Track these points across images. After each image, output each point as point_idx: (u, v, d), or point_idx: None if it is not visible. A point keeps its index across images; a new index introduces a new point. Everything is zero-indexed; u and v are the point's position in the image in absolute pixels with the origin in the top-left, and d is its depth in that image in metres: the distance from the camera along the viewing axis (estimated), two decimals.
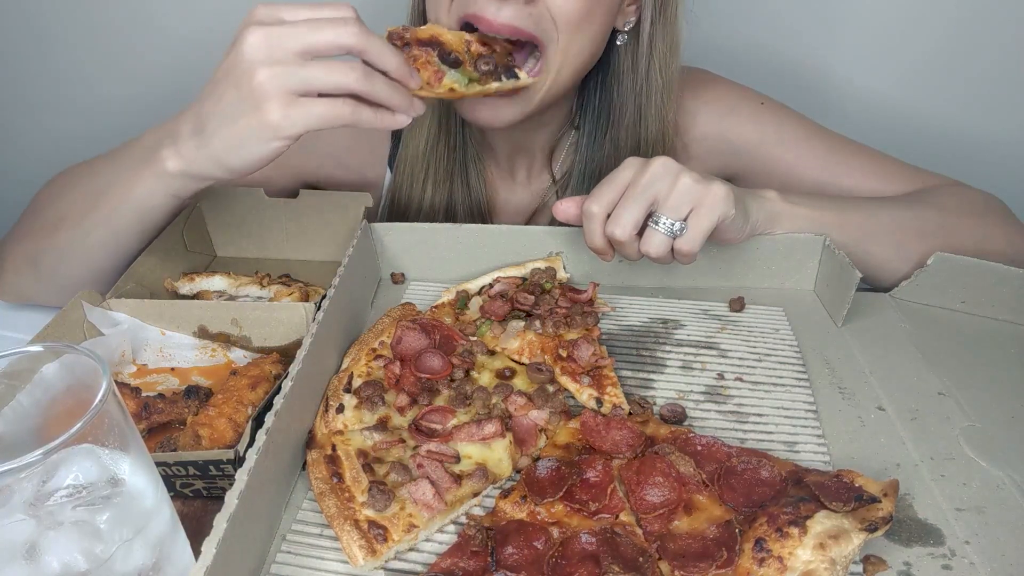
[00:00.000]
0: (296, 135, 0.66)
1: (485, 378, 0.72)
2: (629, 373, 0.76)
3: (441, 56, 0.73)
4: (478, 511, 0.61)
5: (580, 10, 0.80)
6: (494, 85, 0.76)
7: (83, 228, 0.82)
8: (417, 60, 0.72)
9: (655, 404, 0.71)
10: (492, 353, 0.76)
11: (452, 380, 0.71)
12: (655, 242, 0.76)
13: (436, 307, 0.84)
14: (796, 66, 1.45)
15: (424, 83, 0.71)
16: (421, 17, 0.94)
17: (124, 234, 0.82)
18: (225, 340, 0.79)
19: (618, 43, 0.92)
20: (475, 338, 0.77)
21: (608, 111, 0.97)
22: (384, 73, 0.67)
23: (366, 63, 0.67)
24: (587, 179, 1.01)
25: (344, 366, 0.72)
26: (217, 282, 0.90)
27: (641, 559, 0.53)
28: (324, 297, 0.73)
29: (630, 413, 0.69)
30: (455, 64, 0.73)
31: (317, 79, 0.64)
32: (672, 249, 0.77)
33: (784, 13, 1.40)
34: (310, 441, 0.65)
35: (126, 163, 0.80)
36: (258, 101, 0.64)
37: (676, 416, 0.69)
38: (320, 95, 0.65)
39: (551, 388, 0.71)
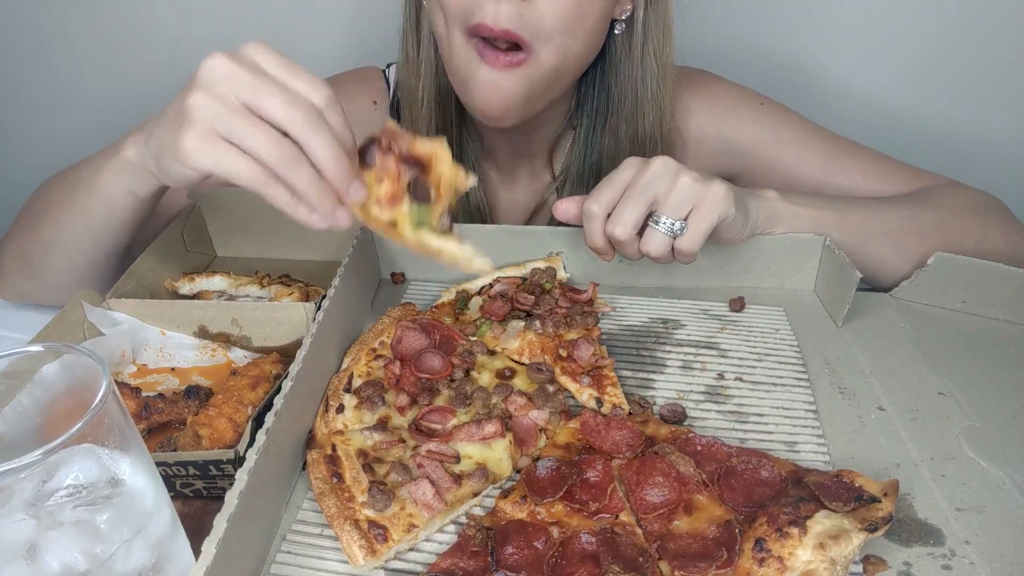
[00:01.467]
0: (204, 171, 0.62)
1: (485, 378, 0.72)
2: (629, 373, 0.76)
3: (413, 184, 0.63)
4: (478, 511, 0.61)
5: (572, 12, 0.80)
6: (449, 246, 0.63)
7: (60, 221, 0.82)
8: (387, 171, 0.63)
9: (655, 404, 0.71)
10: (492, 353, 0.76)
11: (452, 380, 0.71)
12: (655, 242, 0.76)
13: (436, 307, 0.84)
14: (795, 66, 1.45)
15: (374, 197, 0.62)
16: (415, 29, 0.94)
17: (95, 228, 0.81)
18: (225, 340, 0.79)
19: (616, 32, 0.92)
20: (475, 338, 0.77)
21: (606, 103, 0.97)
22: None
23: None
24: (586, 173, 1.01)
25: (344, 366, 0.72)
26: (217, 282, 0.90)
27: (641, 559, 0.53)
28: (324, 297, 0.73)
29: (630, 413, 0.69)
30: (421, 198, 0.63)
31: (240, 135, 0.59)
32: (672, 249, 0.77)
33: (784, 13, 1.40)
34: (310, 441, 0.65)
35: (96, 159, 0.80)
36: (182, 121, 0.60)
37: (676, 416, 0.69)
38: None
39: (551, 388, 0.71)
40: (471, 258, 0.64)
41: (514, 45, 0.80)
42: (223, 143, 0.60)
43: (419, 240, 0.63)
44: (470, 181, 0.65)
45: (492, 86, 0.83)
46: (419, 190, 0.63)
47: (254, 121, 0.59)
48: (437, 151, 0.64)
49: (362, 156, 0.64)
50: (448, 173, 0.64)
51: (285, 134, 0.59)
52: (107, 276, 0.84)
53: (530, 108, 0.87)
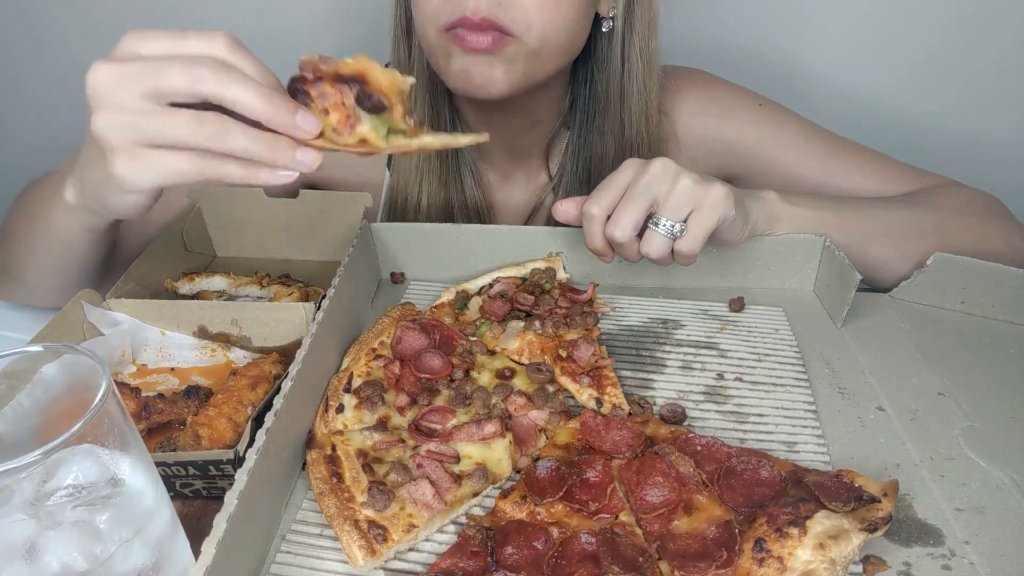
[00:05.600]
0: (149, 190, 0.58)
1: (485, 378, 0.72)
2: (629, 373, 0.76)
3: (360, 98, 0.59)
4: (478, 511, 0.61)
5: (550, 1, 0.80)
6: (426, 138, 0.61)
7: (29, 246, 0.82)
8: (328, 99, 0.59)
9: (655, 404, 0.71)
10: (492, 353, 0.76)
11: (452, 380, 0.71)
12: (655, 243, 0.76)
13: (436, 307, 0.84)
14: (794, 67, 1.45)
15: (330, 129, 0.58)
16: (405, 34, 0.94)
17: (63, 256, 0.80)
18: (225, 340, 0.79)
19: (604, 29, 0.92)
20: (475, 338, 0.77)
21: (594, 100, 0.97)
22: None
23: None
24: (579, 171, 1.02)
25: (344, 366, 0.72)
26: (217, 282, 0.90)
27: (641, 559, 0.53)
28: (324, 297, 0.73)
29: (630, 413, 0.69)
30: (376, 109, 0.59)
31: (156, 131, 0.54)
32: (672, 251, 0.77)
33: (782, 13, 1.40)
34: (310, 441, 0.65)
35: (50, 189, 0.77)
36: (102, 150, 0.56)
37: (676, 416, 0.69)
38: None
39: (551, 388, 0.71)
40: (456, 138, 0.62)
41: (496, 31, 0.80)
42: (151, 151, 0.55)
43: (397, 146, 0.60)
44: (408, 80, 0.61)
45: (467, 71, 0.83)
46: (370, 103, 0.59)
47: (164, 112, 0.54)
48: (364, 64, 0.60)
49: (295, 99, 0.59)
50: (385, 78, 0.60)
51: (206, 106, 0.54)
52: (93, 284, 0.84)
53: (513, 86, 0.86)
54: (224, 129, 0.54)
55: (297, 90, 0.59)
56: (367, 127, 0.59)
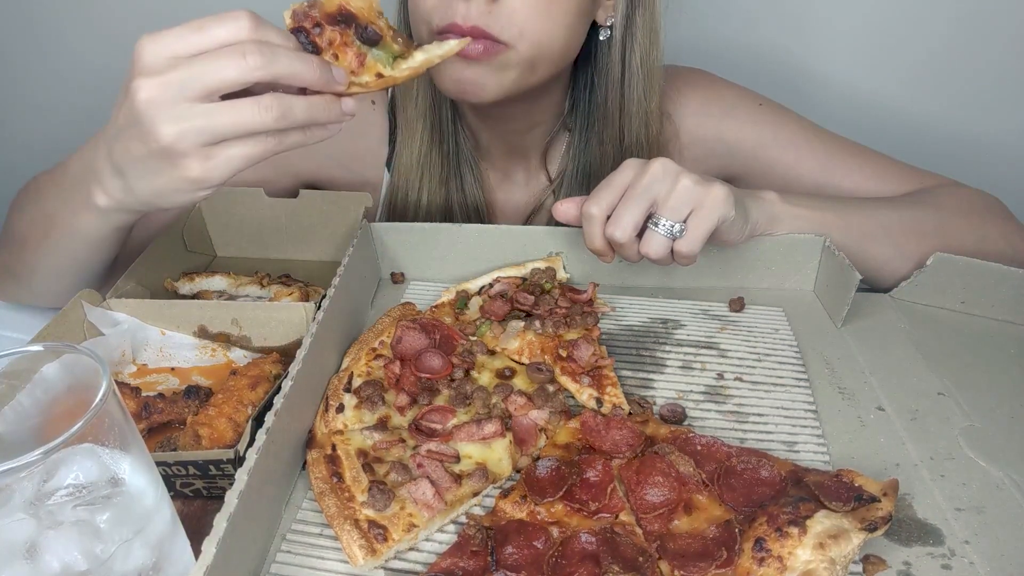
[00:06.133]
0: (223, 181, 0.61)
1: (485, 378, 0.72)
2: (629, 373, 0.76)
3: (359, 34, 0.62)
4: (478, 511, 0.61)
5: (541, 10, 0.80)
6: (419, 56, 0.64)
7: (42, 253, 0.81)
8: (333, 44, 0.62)
9: (655, 404, 0.71)
10: (492, 353, 0.76)
11: (452, 380, 0.71)
12: (654, 244, 0.76)
13: (436, 307, 0.84)
14: (794, 67, 1.45)
15: (348, 73, 0.62)
16: (407, 31, 0.95)
17: (80, 259, 0.80)
18: (225, 340, 0.79)
19: (600, 38, 0.92)
20: (475, 338, 0.77)
21: (595, 107, 0.97)
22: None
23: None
24: (579, 177, 1.02)
25: (344, 366, 0.72)
26: (217, 282, 0.90)
27: (641, 559, 0.53)
28: (324, 297, 0.73)
29: (630, 413, 0.69)
30: (375, 41, 0.62)
31: (229, 129, 0.57)
32: (672, 251, 0.77)
33: (781, 14, 1.40)
34: (310, 441, 0.65)
35: (65, 192, 0.76)
36: (172, 159, 0.58)
37: (676, 416, 0.69)
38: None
39: (551, 388, 0.71)
40: (442, 47, 0.65)
41: (487, 39, 0.80)
42: (222, 147, 0.58)
43: (407, 70, 0.64)
44: None
45: (458, 77, 0.83)
46: (367, 36, 0.62)
47: (225, 108, 0.57)
48: None
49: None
50: (363, 3, 0.63)
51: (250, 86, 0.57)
52: (101, 283, 0.84)
53: (503, 92, 0.86)
54: (287, 106, 0.58)
55: (303, 41, 0.61)
56: (376, 57, 0.63)
